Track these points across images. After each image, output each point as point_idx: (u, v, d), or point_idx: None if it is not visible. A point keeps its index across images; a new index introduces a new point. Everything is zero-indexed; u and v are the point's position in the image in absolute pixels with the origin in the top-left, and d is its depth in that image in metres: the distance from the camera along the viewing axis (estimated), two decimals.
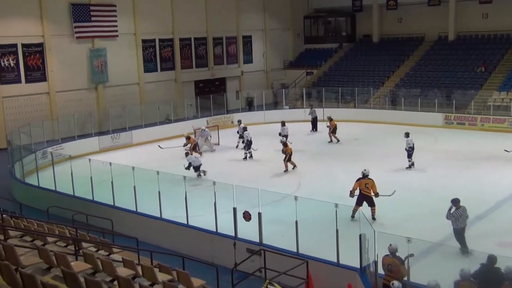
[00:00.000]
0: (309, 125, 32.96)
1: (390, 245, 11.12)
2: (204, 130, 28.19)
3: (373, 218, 16.36)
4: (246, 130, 26.49)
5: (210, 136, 28.21)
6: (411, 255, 10.77)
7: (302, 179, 22.09)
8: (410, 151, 22.84)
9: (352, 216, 15.77)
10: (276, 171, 23.62)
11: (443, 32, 41.29)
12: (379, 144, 28.55)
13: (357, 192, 16.89)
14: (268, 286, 10.59)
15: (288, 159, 23.30)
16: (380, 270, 11.50)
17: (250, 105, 40.60)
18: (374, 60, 42.53)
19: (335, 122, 29.47)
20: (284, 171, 23.34)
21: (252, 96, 41.08)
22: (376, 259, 11.64)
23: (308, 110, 33.75)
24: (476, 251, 12.04)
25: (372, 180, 16.68)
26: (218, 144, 28.87)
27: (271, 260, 12.90)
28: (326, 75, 43.26)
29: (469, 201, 17.23)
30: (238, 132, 28.55)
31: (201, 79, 42.13)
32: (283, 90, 40.70)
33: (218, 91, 42.04)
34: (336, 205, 12.57)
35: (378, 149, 27.22)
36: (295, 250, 13.61)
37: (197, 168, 22.41)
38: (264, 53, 46.73)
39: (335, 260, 12.92)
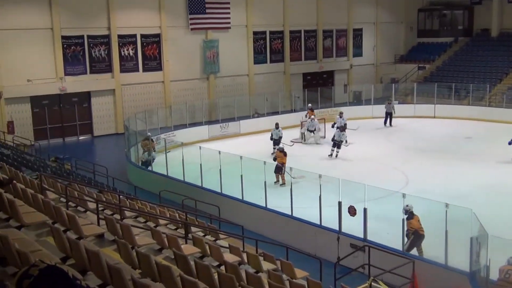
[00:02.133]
0: (398, 120, 32.38)
1: (511, 257, 10.55)
2: (313, 120, 28.03)
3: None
4: (277, 128, 25.45)
5: (319, 129, 28.02)
6: None
7: (409, 176, 21.47)
8: None
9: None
10: (381, 166, 23.16)
11: None
12: (493, 144, 27.00)
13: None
14: (372, 283, 10.45)
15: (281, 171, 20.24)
16: (492, 276, 10.98)
17: (357, 99, 40.01)
18: (492, 56, 40.31)
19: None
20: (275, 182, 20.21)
21: (360, 90, 40.39)
22: (488, 264, 11.13)
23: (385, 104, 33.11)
24: None
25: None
26: (324, 137, 28.68)
27: (375, 257, 12.70)
28: (439, 70, 41.66)
29: None
30: (334, 125, 27.31)
31: (309, 71, 42.12)
32: (393, 84, 39.69)
33: (325, 84, 41.83)
34: (447, 205, 12.14)
35: (491, 149, 25.77)
36: (400, 249, 13.33)
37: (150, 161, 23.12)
38: (374, 47, 45.82)
39: (443, 262, 12.51)
